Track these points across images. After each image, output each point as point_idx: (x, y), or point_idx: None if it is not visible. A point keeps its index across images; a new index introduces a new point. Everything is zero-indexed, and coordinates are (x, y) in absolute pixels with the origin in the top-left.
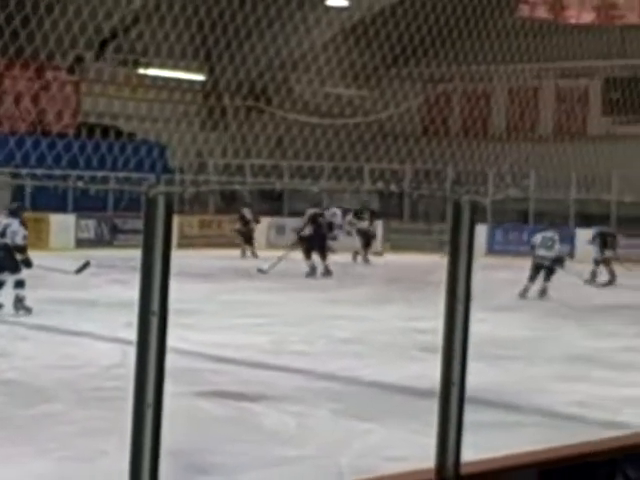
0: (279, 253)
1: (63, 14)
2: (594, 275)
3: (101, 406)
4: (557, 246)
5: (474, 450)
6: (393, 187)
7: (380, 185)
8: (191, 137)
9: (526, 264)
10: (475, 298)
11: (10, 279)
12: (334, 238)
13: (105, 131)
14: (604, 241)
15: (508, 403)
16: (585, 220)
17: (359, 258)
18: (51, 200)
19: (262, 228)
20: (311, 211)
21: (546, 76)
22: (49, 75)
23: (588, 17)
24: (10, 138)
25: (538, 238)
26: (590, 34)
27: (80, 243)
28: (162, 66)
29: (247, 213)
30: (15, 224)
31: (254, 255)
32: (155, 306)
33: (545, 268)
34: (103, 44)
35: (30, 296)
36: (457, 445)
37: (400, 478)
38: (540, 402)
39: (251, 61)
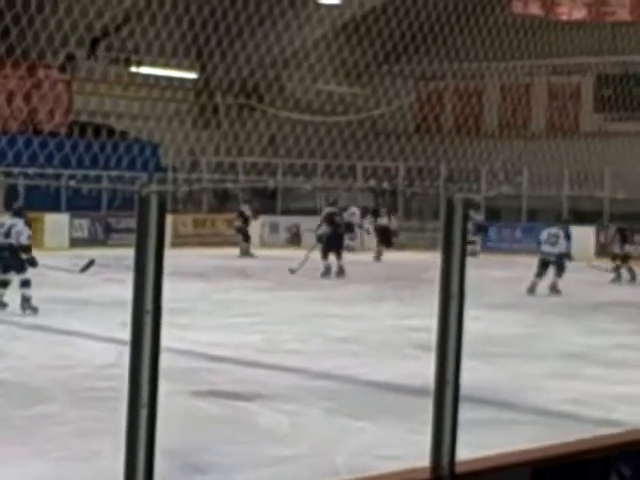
0: (273, 251)
1: (54, 12)
2: (618, 271)
3: (96, 406)
4: (561, 242)
5: (469, 448)
6: (386, 185)
7: (373, 183)
8: (183, 135)
9: (519, 261)
10: (469, 296)
11: (16, 279)
12: (353, 239)
13: (97, 130)
14: (623, 236)
15: (502, 401)
16: (578, 217)
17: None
18: (44, 199)
19: (256, 226)
20: (327, 210)
21: (538, 73)
22: (41, 74)
23: (580, 14)
24: (2, 137)
25: (544, 234)
26: (582, 31)
27: (74, 242)
28: (154, 64)
29: (246, 210)
30: (20, 224)
31: (249, 254)
32: (149, 305)
33: (553, 264)
34: (94, 42)
35: (17, 297)
36: (452, 443)
37: (395, 477)
38: (534, 400)
39: (243, 59)
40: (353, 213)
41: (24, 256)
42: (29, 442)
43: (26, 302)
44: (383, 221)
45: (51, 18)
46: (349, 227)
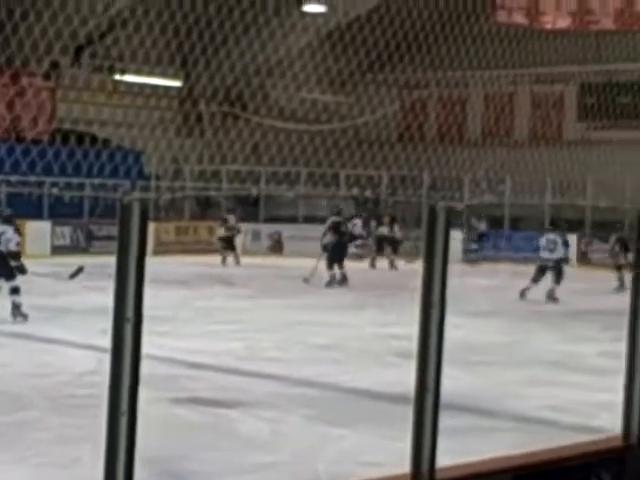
0: (255, 259)
1: (38, 20)
2: (622, 280)
3: (76, 413)
4: (560, 248)
5: (450, 455)
6: (368, 193)
7: (355, 191)
8: (167, 143)
9: (502, 269)
10: (450, 304)
11: (5, 286)
12: (360, 247)
13: (80, 138)
14: (624, 246)
15: (483, 408)
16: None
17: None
18: (26, 207)
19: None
20: (332, 219)
21: (521, 82)
22: (24, 81)
23: (564, 22)
24: None
25: (542, 241)
26: (565, 40)
27: (56, 250)
28: (138, 72)
29: (231, 219)
30: (9, 231)
31: (237, 262)
32: (129, 313)
33: (551, 270)
34: (79, 50)
35: (5, 304)
36: (432, 450)
37: None
38: (515, 407)
39: (227, 67)
40: (355, 224)
41: (13, 263)
42: (9, 449)
43: (16, 309)
44: (384, 230)
45: (35, 26)
46: (352, 237)
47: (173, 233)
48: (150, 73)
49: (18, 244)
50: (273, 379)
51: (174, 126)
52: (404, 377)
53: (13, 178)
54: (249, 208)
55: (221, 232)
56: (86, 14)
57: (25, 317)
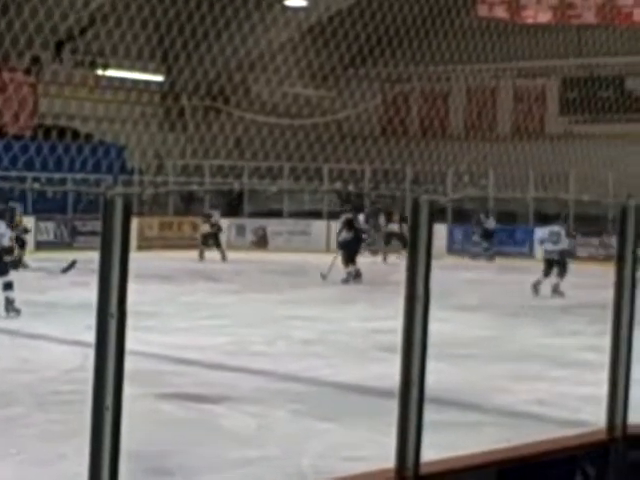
0: (240, 254)
1: (19, 15)
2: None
3: (61, 409)
4: (563, 239)
5: (435, 450)
6: (351, 187)
7: (338, 185)
8: (149, 138)
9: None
10: (437, 298)
11: None
12: (371, 244)
13: (62, 132)
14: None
15: (468, 402)
16: (544, 219)
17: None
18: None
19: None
20: (345, 216)
21: (503, 76)
22: (5, 76)
23: (545, 17)
24: None
25: (545, 233)
26: (547, 34)
27: (40, 245)
28: (119, 67)
29: (215, 215)
30: (2, 226)
31: (224, 258)
32: (113, 309)
33: (556, 263)
34: (60, 45)
35: None
36: (417, 445)
37: (361, 478)
38: (500, 401)
39: (208, 61)
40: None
41: (7, 258)
42: None
43: (10, 304)
44: (394, 227)
45: (16, 21)
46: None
47: (157, 228)
48: (132, 68)
49: (11, 239)
50: (259, 374)
51: (156, 121)
52: (390, 371)
53: None
54: (233, 203)
55: (205, 228)
56: (67, 9)
57: (18, 312)
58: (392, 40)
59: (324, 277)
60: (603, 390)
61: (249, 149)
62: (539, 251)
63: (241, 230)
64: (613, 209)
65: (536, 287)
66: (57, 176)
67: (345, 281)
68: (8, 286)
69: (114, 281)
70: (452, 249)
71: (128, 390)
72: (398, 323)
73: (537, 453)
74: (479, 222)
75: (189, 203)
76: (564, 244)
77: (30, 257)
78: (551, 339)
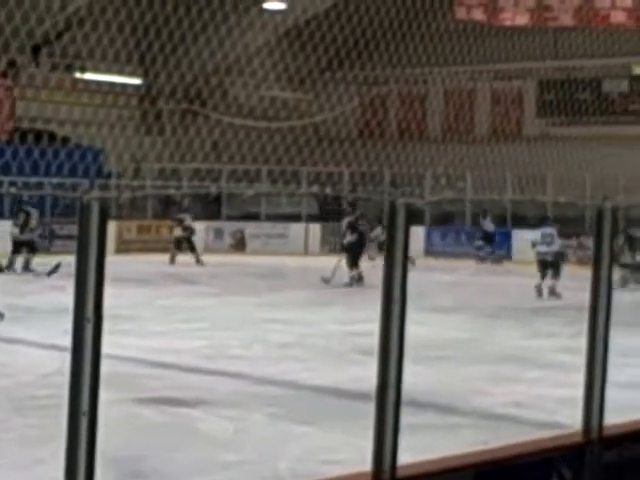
0: (218, 257)
1: None
2: (625, 281)
3: (38, 414)
4: (557, 241)
5: (411, 452)
6: (328, 190)
7: (315, 188)
8: (126, 141)
9: (463, 265)
10: (412, 300)
11: None
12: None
13: (38, 136)
14: (632, 244)
15: (445, 405)
16: (521, 221)
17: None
18: None
19: (200, 232)
20: (348, 219)
21: (480, 78)
22: None
23: (522, 19)
24: None
25: (538, 235)
26: (524, 36)
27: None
28: (96, 70)
29: (187, 219)
30: None
31: (198, 261)
32: (89, 313)
33: (550, 265)
34: (36, 49)
35: None
36: (394, 448)
37: None
38: (478, 404)
39: (185, 64)
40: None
41: None
42: None
43: None
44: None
45: None
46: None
47: (135, 231)
48: (109, 71)
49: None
50: (236, 377)
51: (133, 124)
52: (367, 374)
53: None
54: (211, 206)
55: (178, 232)
56: (43, 13)
57: (2, 316)
58: (369, 43)
59: (327, 281)
60: (580, 392)
61: (226, 152)
62: (532, 253)
63: (219, 233)
64: (590, 210)
65: (539, 289)
66: (34, 180)
67: (349, 285)
68: None
69: (90, 285)
70: (430, 251)
71: (105, 394)
72: (376, 326)
73: (514, 455)
74: (478, 224)
75: (167, 206)
76: (557, 245)
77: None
78: (528, 341)
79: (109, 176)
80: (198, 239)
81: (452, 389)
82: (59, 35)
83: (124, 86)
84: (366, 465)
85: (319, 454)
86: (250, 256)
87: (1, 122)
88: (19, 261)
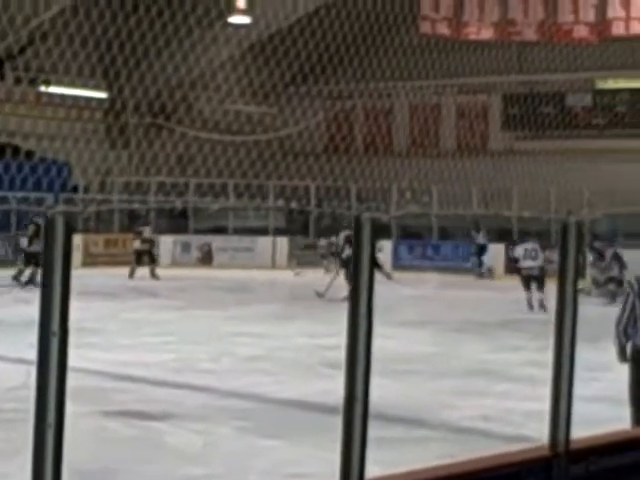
0: (185, 271)
1: None
2: (614, 296)
3: (4, 427)
4: (541, 255)
5: (379, 466)
6: (294, 205)
7: (281, 203)
8: (90, 155)
9: (430, 278)
10: (379, 313)
11: None
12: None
13: (2, 149)
14: (620, 261)
15: (414, 418)
16: (486, 235)
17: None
18: None
19: (167, 245)
20: (345, 233)
21: (445, 92)
22: None
23: (487, 34)
24: None
25: (519, 251)
26: (487, 51)
27: None
28: (60, 84)
29: (147, 232)
30: None
31: (153, 275)
32: (55, 327)
33: (533, 278)
34: None
35: None
36: (361, 461)
37: None
38: (446, 417)
39: (150, 78)
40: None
41: None
42: None
43: None
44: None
45: None
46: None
47: (102, 245)
48: (72, 84)
49: None
50: (204, 391)
51: (97, 137)
52: (335, 387)
53: None
54: (178, 220)
55: (137, 245)
56: (6, 28)
57: None
58: (333, 57)
59: (321, 295)
60: (547, 405)
61: (191, 166)
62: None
63: (186, 247)
64: (555, 224)
65: (530, 303)
66: None
67: (347, 299)
68: None
69: (56, 300)
70: (397, 265)
71: (72, 407)
72: (343, 339)
73: (481, 469)
74: (471, 239)
75: (133, 220)
76: (541, 260)
77: None
78: (495, 354)
79: (75, 190)
80: (165, 252)
81: (420, 402)
82: (22, 49)
83: (88, 100)
84: (334, 479)
85: (287, 467)
86: (217, 269)
87: None
88: (26, 274)
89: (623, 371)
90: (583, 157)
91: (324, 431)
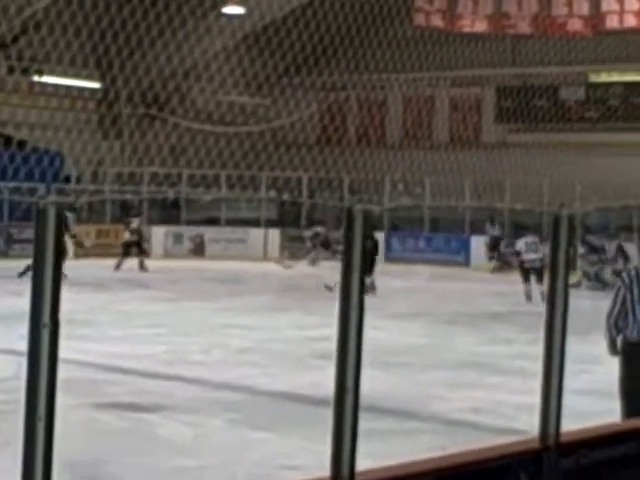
0: (177, 262)
1: None
2: (578, 285)
3: None
4: (541, 248)
5: (370, 458)
6: (286, 196)
7: (272, 194)
8: (83, 145)
9: (422, 270)
10: (370, 305)
11: None
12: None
13: None
14: (624, 254)
15: (405, 410)
16: (479, 228)
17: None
18: None
19: (159, 237)
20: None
21: (439, 85)
22: None
23: (481, 26)
24: None
25: (521, 245)
26: (481, 43)
27: None
28: (53, 73)
29: (135, 222)
30: None
31: (142, 267)
32: (46, 318)
33: (533, 270)
34: None
35: None
36: (352, 453)
37: None
38: (436, 409)
39: (143, 69)
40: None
41: None
42: None
43: None
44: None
45: None
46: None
47: (94, 236)
48: (65, 74)
49: None
50: (195, 383)
51: (90, 128)
52: (326, 379)
53: None
54: (170, 211)
55: (126, 236)
56: None
57: None
58: (327, 49)
59: (330, 289)
60: (537, 398)
61: (184, 157)
62: (517, 261)
63: (178, 238)
64: (547, 217)
65: (528, 294)
66: None
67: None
68: None
69: (47, 291)
70: (389, 257)
71: (63, 399)
72: (334, 330)
73: (472, 461)
74: (487, 232)
75: (125, 211)
76: (542, 252)
77: None
78: (486, 347)
79: (68, 180)
80: (157, 243)
81: (410, 395)
82: (15, 38)
83: (81, 90)
84: (325, 471)
85: (278, 459)
86: (209, 261)
87: None
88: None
89: (614, 364)
90: (576, 150)
91: (315, 423)
